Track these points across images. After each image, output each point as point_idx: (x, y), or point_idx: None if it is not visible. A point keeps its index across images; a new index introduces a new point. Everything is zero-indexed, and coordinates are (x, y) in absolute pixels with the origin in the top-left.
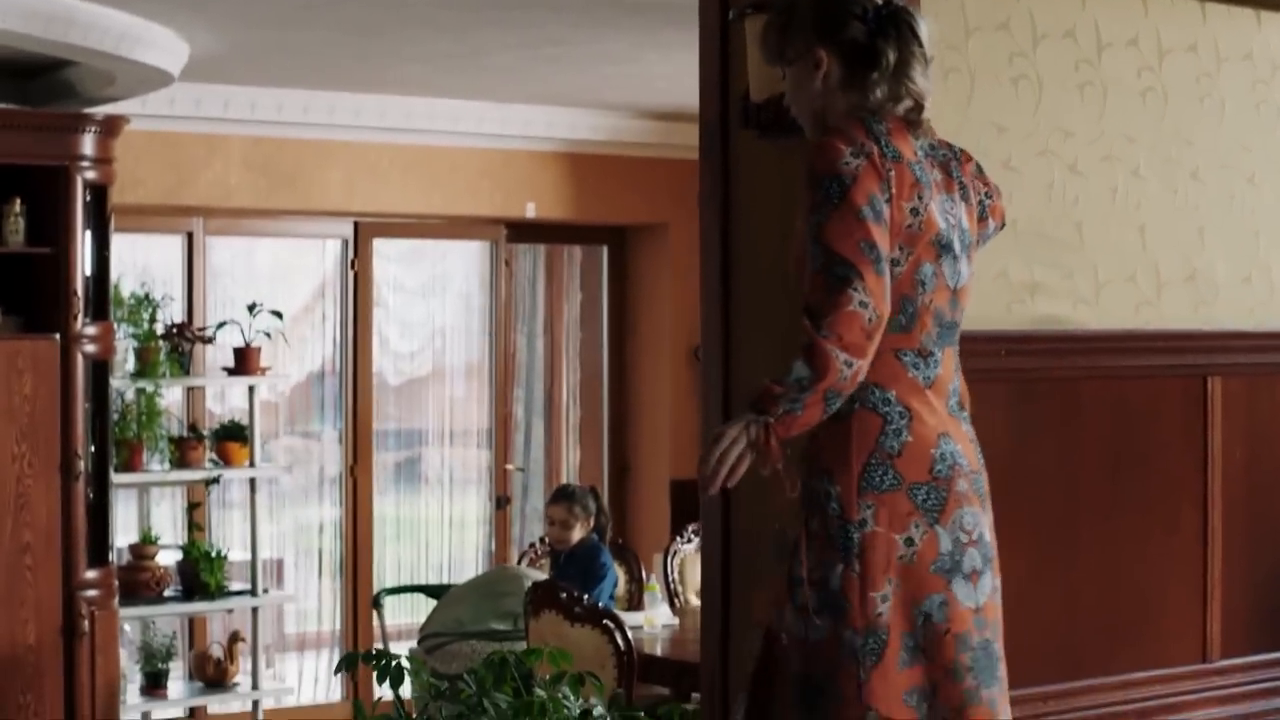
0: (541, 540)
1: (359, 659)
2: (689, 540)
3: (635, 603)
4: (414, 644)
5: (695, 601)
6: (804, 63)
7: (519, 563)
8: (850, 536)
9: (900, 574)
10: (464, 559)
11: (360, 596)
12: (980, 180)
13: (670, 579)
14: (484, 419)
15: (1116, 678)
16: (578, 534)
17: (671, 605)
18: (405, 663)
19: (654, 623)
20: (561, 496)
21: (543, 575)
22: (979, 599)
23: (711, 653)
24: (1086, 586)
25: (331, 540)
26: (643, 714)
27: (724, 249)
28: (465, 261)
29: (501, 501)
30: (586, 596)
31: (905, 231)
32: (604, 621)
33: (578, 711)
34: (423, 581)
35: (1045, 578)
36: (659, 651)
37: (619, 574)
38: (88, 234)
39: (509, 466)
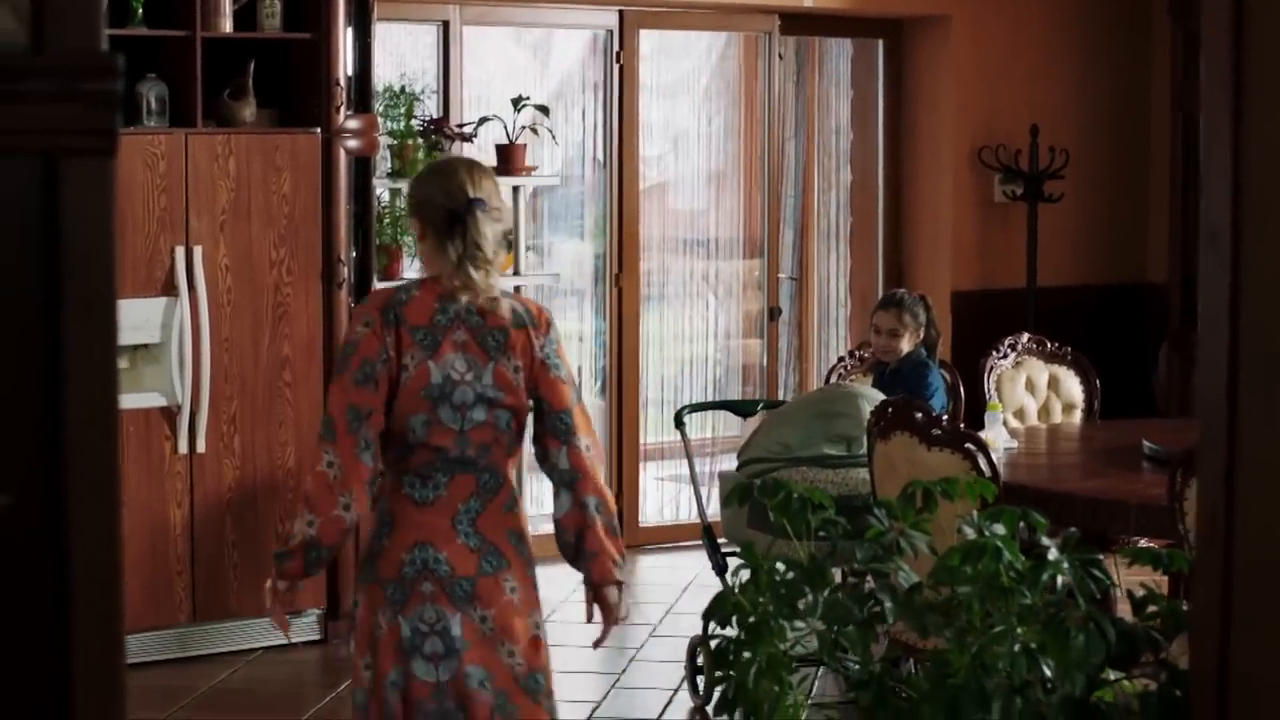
0: (850, 354)
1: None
2: (1004, 355)
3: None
4: (727, 467)
5: (1014, 423)
6: (412, 223)
7: (828, 379)
8: (353, 615)
9: (374, 649)
10: (729, 371)
11: (625, 412)
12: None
13: (987, 397)
14: (736, 227)
15: None
16: (905, 345)
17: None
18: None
19: (995, 445)
20: (890, 303)
21: (880, 394)
22: (440, 677)
23: (1214, 489)
24: None
25: (590, 353)
26: (1101, 557)
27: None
28: (719, 57)
29: (774, 313)
30: (945, 416)
31: (400, 381)
32: (966, 444)
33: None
34: (719, 398)
35: None
36: (1009, 478)
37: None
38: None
39: (780, 275)
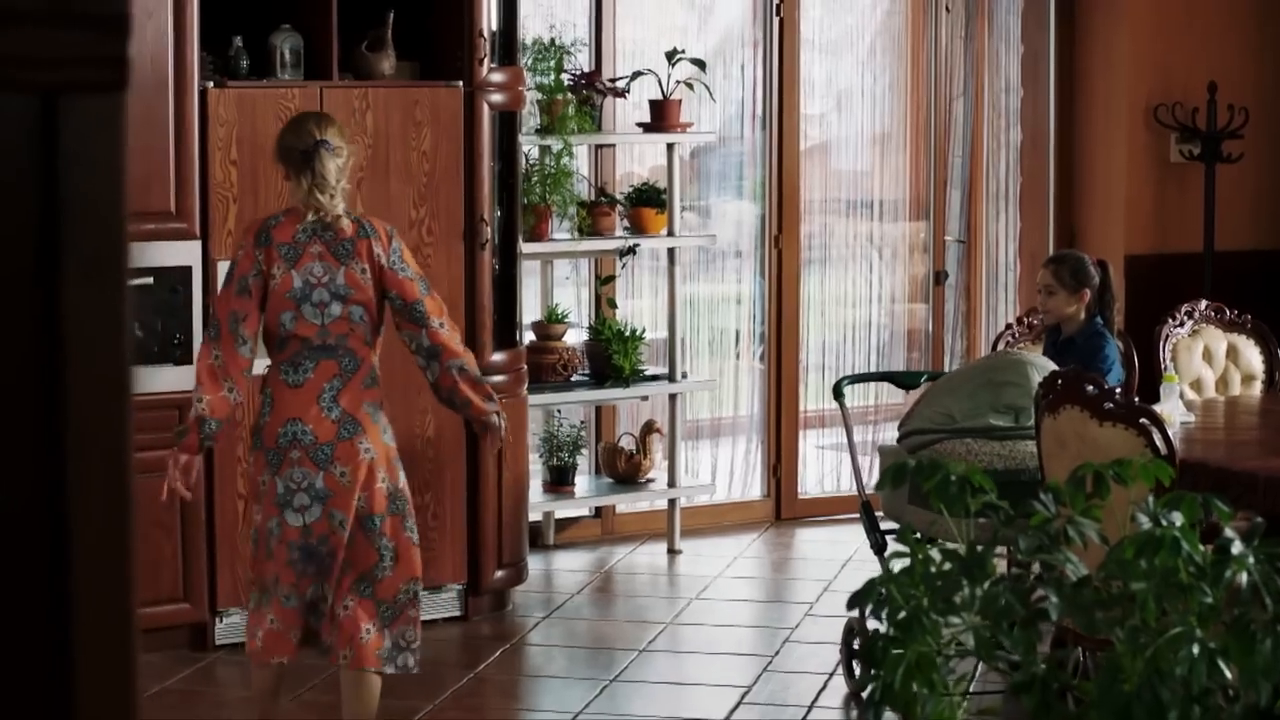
0: (1019, 320)
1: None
2: (1181, 324)
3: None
4: (889, 438)
5: (1190, 394)
6: (280, 169)
7: (994, 347)
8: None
9: (260, 503)
10: (894, 337)
11: (784, 380)
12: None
13: (1162, 368)
14: (901, 188)
15: None
16: (1067, 307)
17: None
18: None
19: (1170, 420)
20: (1050, 260)
21: (1050, 363)
22: (306, 520)
23: None
24: None
25: (749, 316)
26: None
27: None
28: (884, 11)
29: (940, 277)
30: (1119, 390)
31: (270, 289)
32: (1140, 420)
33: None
34: (878, 368)
35: None
36: (1185, 454)
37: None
38: None
39: (947, 238)
